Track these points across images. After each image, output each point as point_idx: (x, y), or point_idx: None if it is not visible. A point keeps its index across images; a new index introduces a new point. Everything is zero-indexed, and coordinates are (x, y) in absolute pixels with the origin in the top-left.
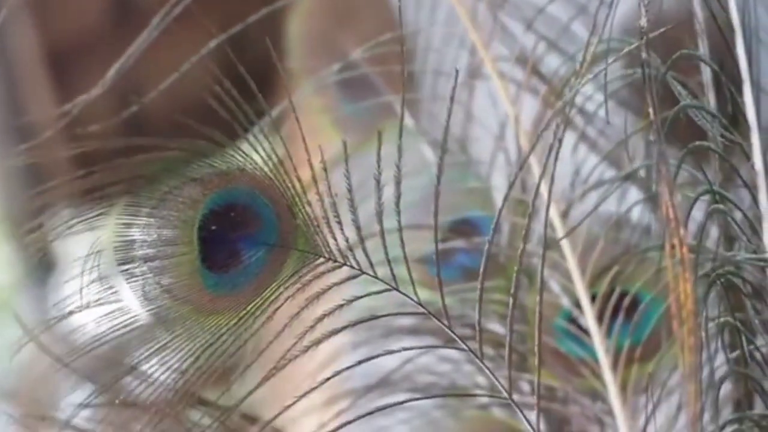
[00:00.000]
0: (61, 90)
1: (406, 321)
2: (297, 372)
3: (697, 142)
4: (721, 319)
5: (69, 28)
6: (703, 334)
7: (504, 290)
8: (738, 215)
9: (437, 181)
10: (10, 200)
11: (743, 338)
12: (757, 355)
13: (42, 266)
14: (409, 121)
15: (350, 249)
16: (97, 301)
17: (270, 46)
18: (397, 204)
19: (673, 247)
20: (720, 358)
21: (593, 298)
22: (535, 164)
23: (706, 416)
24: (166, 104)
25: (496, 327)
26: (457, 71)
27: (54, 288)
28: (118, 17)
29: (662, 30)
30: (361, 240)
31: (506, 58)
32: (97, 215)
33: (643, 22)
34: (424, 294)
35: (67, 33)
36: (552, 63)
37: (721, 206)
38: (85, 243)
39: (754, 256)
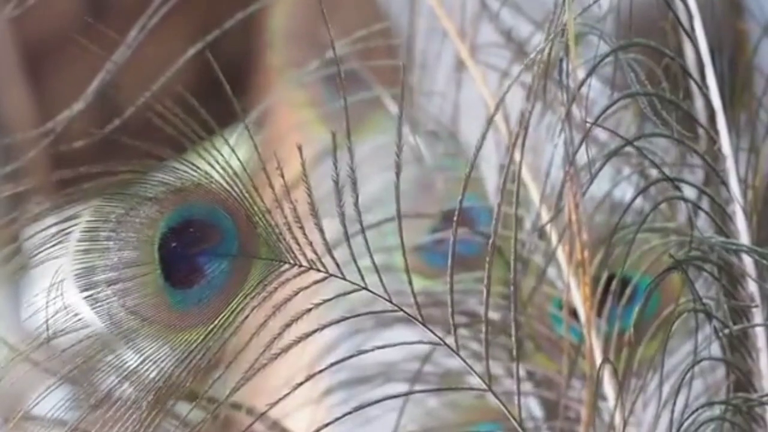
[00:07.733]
0: (36, 86)
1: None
2: (291, 365)
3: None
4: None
5: (44, 26)
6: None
7: (498, 278)
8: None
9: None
10: None
11: (713, 323)
12: (736, 340)
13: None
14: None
15: (329, 250)
16: (63, 330)
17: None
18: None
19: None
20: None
21: None
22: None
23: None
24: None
25: (492, 315)
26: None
27: (26, 290)
28: (92, 15)
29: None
30: (326, 243)
31: (492, 44)
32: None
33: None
34: (418, 282)
35: (42, 31)
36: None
37: (677, 193)
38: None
39: (725, 239)
